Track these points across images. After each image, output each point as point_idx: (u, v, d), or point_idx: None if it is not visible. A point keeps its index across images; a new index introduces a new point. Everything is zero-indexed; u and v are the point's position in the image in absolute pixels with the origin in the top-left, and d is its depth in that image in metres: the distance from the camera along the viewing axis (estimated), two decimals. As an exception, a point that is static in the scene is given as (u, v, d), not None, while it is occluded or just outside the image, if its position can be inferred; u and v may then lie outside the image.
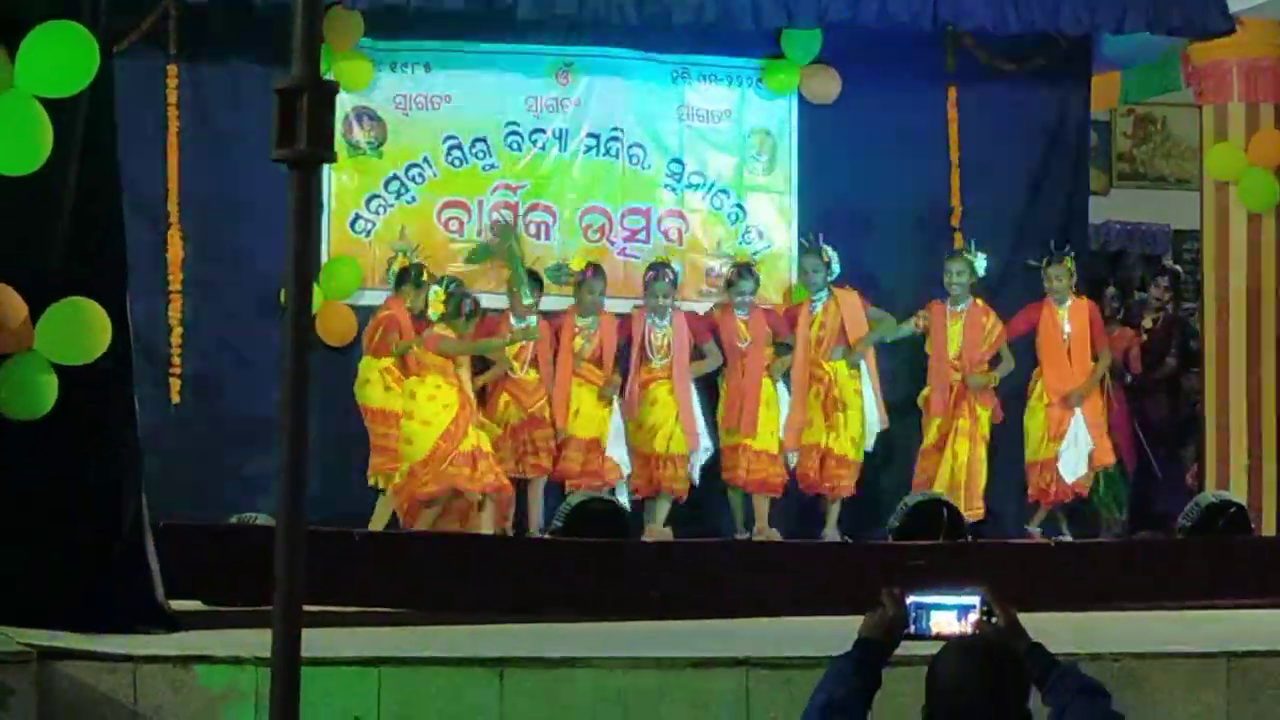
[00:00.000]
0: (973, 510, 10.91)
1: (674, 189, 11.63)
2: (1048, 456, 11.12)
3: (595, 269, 11.06)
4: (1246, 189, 11.48)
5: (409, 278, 10.69)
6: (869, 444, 11.19)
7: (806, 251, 11.28)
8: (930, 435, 11.16)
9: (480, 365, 10.86)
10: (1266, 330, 11.50)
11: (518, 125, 11.40)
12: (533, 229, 11.41)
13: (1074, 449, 11.10)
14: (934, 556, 9.38)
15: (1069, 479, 11.09)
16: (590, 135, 11.49)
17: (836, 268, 11.19)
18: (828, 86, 11.61)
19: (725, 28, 10.98)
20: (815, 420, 11.06)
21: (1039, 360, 11.27)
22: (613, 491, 10.65)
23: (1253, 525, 10.51)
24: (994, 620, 3.74)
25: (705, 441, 10.99)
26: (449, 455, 10.19)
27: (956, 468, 11.02)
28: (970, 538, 10.27)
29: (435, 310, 10.49)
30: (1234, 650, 7.49)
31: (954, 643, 3.66)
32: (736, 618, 8.69)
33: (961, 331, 11.17)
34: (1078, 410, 11.12)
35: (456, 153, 11.34)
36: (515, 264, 10.80)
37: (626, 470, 10.88)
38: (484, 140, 11.35)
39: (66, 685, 6.69)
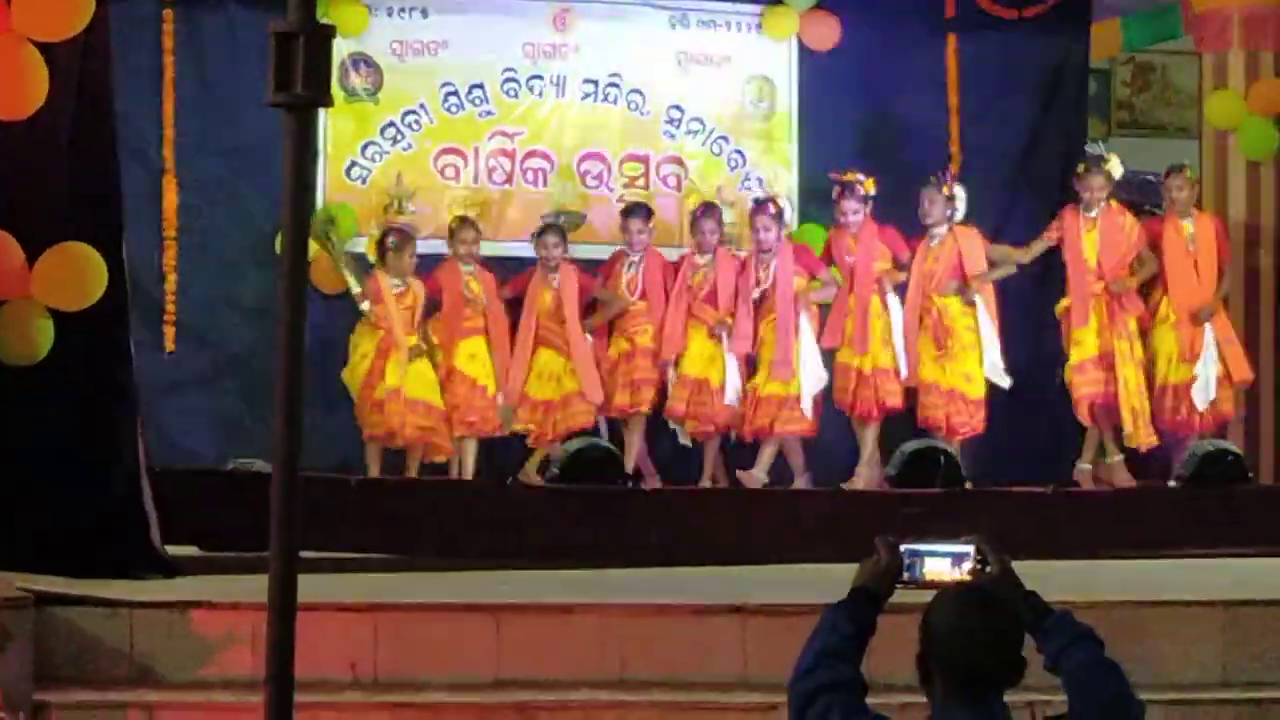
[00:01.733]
0: (1149, 437, 10.65)
1: (673, 135, 11.60)
2: (1180, 380, 10.74)
3: (707, 207, 10.93)
4: (1246, 137, 11.46)
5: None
6: (992, 385, 10.85)
7: (927, 185, 10.91)
8: (1084, 349, 10.75)
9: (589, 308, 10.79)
10: (1264, 278, 11.48)
11: (515, 71, 11.36)
12: (530, 176, 11.38)
13: (1204, 370, 10.71)
14: (931, 504, 9.40)
15: (1201, 404, 10.71)
16: (588, 81, 11.45)
17: (961, 207, 10.91)
18: (827, 32, 11.57)
19: (725, -28, 10.95)
20: (925, 356, 10.81)
21: (1163, 277, 10.81)
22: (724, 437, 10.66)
23: (1250, 474, 10.51)
24: (988, 569, 3.75)
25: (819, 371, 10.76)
26: (366, 401, 10.29)
27: (1129, 394, 10.66)
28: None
29: (372, 257, 10.54)
30: (1231, 599, 7.51)
31: (948, 590, 3.67)
32: (734, 564, 8.70)
33: (1099, 238, 10.78)
34: (1208, 327, 10.74)
35: (453, 99, 11.31)
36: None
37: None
38: (481, 87, 11.32)
39: (64, 630, 6.71)
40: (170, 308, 10.72)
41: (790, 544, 9.06)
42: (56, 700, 6.48)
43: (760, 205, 10.91)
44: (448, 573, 8.25)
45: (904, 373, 10.78)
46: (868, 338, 10.75)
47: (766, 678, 6.66)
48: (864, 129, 11.57)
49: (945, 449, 10.21)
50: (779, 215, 10.83)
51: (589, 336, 10.77)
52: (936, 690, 3.59)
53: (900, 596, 3.75)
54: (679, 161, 11.60)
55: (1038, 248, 10.99)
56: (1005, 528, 8.49)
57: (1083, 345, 10.77)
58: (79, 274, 7.44)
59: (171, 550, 7.76)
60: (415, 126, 11.27)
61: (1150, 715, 3.82)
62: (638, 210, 10.94)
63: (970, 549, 3.76)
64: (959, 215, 10.93)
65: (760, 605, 7.12)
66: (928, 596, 3.66)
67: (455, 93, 11.31)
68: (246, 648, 6.62)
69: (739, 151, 11.68)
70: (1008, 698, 3.63)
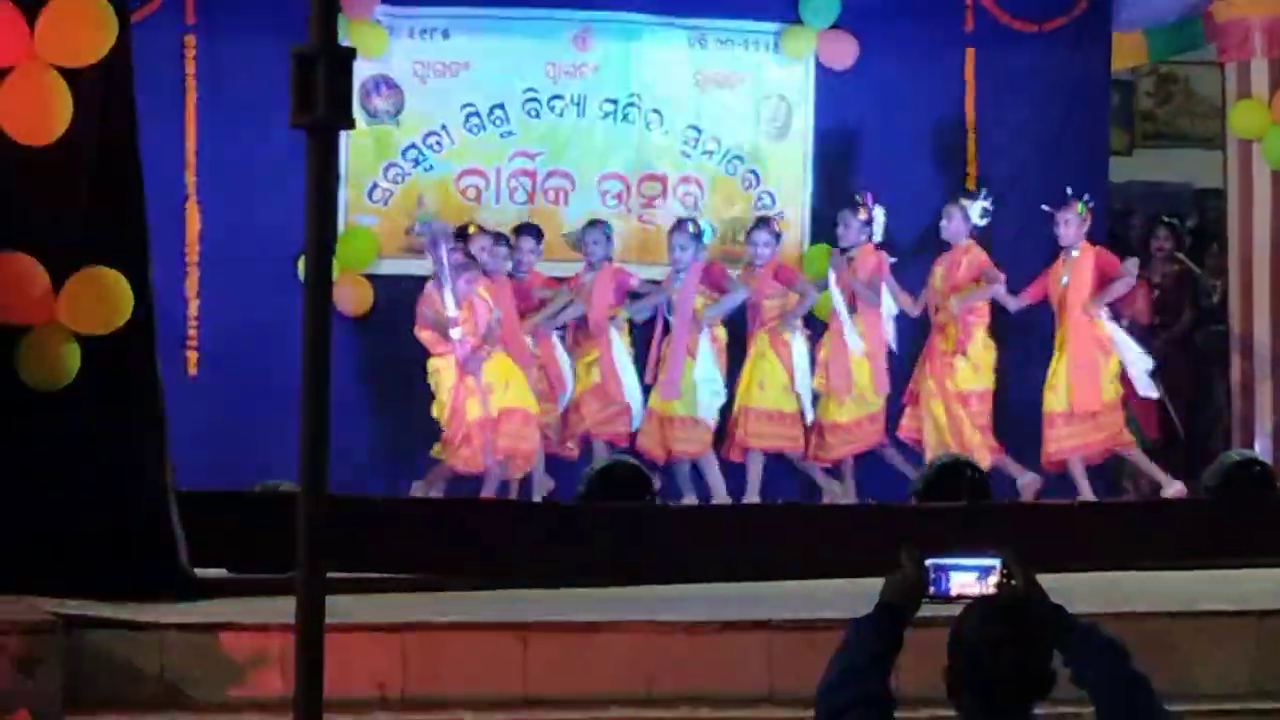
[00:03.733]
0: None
1: (689, 154, 11.61)
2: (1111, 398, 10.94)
3: (761, 221, 11.10)
4: (1270, 146, 11.42)
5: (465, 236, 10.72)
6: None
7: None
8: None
9: None
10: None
11: (536, 91, 11.38)
12: (550, 195, 11.40)
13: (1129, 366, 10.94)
14: (958, 518, 9.37)
15: (1144, 391, 10.96)
16: (608, 101, 11.46)
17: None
18: (844, 51, 11.57)
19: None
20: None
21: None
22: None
23: (1278, 484, 10.47)
24: (1013, 582, 3.74)
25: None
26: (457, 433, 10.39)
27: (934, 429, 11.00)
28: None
29: None
30: (1261, 609, 7.48)
31: (977, 603, 3.66)
32: (761, 580, 8.69)
33: (944, 272, 11.09)
34: (1107, 332, 10.92)
35: (474, 120, 11.33)
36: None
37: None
38: (502, 107, 11.34)
39: (93, 653, 6.73)
40: (192, 332, 10.75)
41: (821, 559, 9.03)
42: (86, 723, 6.49)
43: (679, 224, 11.02)
44: (475, 592, 8.25)
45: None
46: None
47: (793, 693, 6.66)
48: (880, 147, 11.56)
49: (971, 462, 10.21)
50: (697, 235, 10.95)
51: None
52: (965, 704, 3.58)
53: (930, 610, 3.74)
54: (695, 181, 11.61)
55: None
56: (1032, 541, 8.49)
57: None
58: (105, 298, 7.46)
59: (200, 572, 7.78)
60: (437, 148, 11.29)
61: (1180, 727, 3.82)
62: (763, 224, 11.10)
63: (996, 563, 3.76)
64: (875, 237, 11.07)
65: (786, 621, 7.11)
66: (957, 610, 3.66)
67: (476, 113, 11.33)
68: (275, 669, 6.63)
69: (753, 171, 11.68)
70: (1037, 711, 3.62)
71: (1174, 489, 10.76)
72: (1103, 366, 10.96)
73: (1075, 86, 11.93)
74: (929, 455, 10.77)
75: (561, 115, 11.43)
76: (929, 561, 3.73)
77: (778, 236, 11.08)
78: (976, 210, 11.09)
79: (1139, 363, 11.04)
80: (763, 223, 11.10)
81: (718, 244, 11.42)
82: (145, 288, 7.64)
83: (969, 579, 3.74)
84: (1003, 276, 11.05)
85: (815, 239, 11.62)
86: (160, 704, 6.71)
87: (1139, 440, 11.30)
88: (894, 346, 11.14)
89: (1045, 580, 3.78)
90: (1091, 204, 11.10)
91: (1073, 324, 10.93)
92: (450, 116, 11.30)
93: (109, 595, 7.25)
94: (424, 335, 10.58)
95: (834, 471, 11.16)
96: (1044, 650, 3.60)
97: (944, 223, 11.08)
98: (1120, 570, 9.05)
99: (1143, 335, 12.06)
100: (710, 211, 11.53)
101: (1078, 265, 10.97)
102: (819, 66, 11.67)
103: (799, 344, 10.97)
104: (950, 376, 10.98)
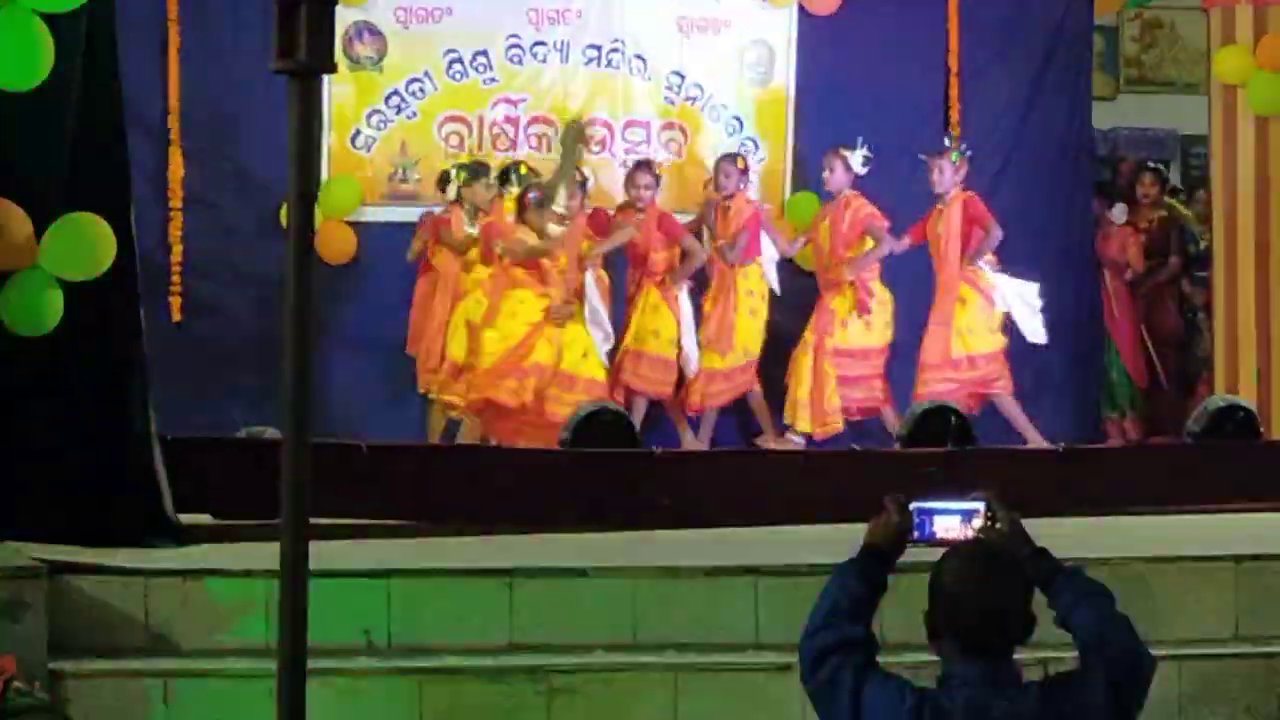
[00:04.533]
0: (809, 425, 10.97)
1: (673, 101, 11.58)
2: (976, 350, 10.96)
3: (641, 164, 11.00)
4: (1255, 92, 11.41)
5: (510, 178, 10.62)
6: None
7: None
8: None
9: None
10: (1275, 234, 11.46)
11: (519, 38, 11.35)
12: (533, 142, 11.39)
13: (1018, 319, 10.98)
14: (942, 463, 9.39)
15: (1032, 337, 10.97)
16: (591, 47, 11.44)
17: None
18: (828, -3, 11.54)
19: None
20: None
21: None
22: None
23: (1262, 429, 10.50)
24: (997, 525, 3.76)
25: None
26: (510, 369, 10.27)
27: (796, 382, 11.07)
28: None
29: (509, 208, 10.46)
30: (1243, 554, 7.51)
31: (958, 547, 3.68)
32: (747, 526, 8.72)
33: (829, 226, 11.12)
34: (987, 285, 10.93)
35: (457, 66, 11.30)
36: (563, 169, 10.63)
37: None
38: (485, 54, 11.30)
39: (78, 599, 6.73)
40: (176, 278, 10.73)
41: (807, 504, 9.05)
42: (72, 669, 6.50)
43: (640, 165, 10.96)
44: (460, 538, 8.26)
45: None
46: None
47: (780, 638, 6.67)
48: (863, 95, 11.53)
49: (955, 409, 10.23)
50: (657, 179, 10.96)
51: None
52: (945, 648, 3.60)
53: (915, 555, 3.75)
54: (679, 128, 11.58)
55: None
56: (1016, 485, 8.50)
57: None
58: (87, 244, 7.43)
59: (184, 518, 7.78)
60: (419, 94, 11.26)
61: (1163, 670, 3.83)
62: (644, 166, 10.97)
63: (980, 506, 3.77)
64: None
65: (773, 566, 7.13)
66: (939, 554, 3.67)
67: (459, 60, 11.29)
68: (260, 615, 6.63)
69: (737, 118, 11.66)
70: (1019, 655, 3.64)
71: (1036, 441, 10.75)
72: (983, 315, 10.94)
73: (1058, 32, 11.92)
74: (788, 407, 10.88)
75: (545, 61, 11.39)
76: (913, 505, 3.75)
77: (658, 179, 11.02)
78: (858, 160, 11.04)
79: (1025, 311, 11.01)
80: (643, 165, 11.03)
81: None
82: (128, 233, 7.61)
83: (953, 523, 3.76)
84: (887, 226, 11.03)
85: (797, 188, 11.60)
86: (145, 650, 6.72)
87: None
88: (776, 289, 11.12)
89: (1029, 524, 3.79)
90: (968, 153, 11.04)
91: (948, 273, 10.92)
92: (433, 63, 11.27)
93: (94, 541, 7.25)
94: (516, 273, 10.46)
95: (694, 421, 11.16)
96: (1023, 593, 3.61)
97: (825, 174, 11.07)
98: (1105, 515, 9.08)
99: (1134, 281, 12.10)
100: (694, 158, 11.51)
101: (949, 213, 10.95)
102: (802, 12, 11.64)
103: (684, 299, 10.97)
104: (842, 333, 10.97)
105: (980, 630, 3.56)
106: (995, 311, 11.02)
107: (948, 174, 10.96)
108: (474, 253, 10.67)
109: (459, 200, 10.79)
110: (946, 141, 11.24)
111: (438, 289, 10.77)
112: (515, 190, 10.50)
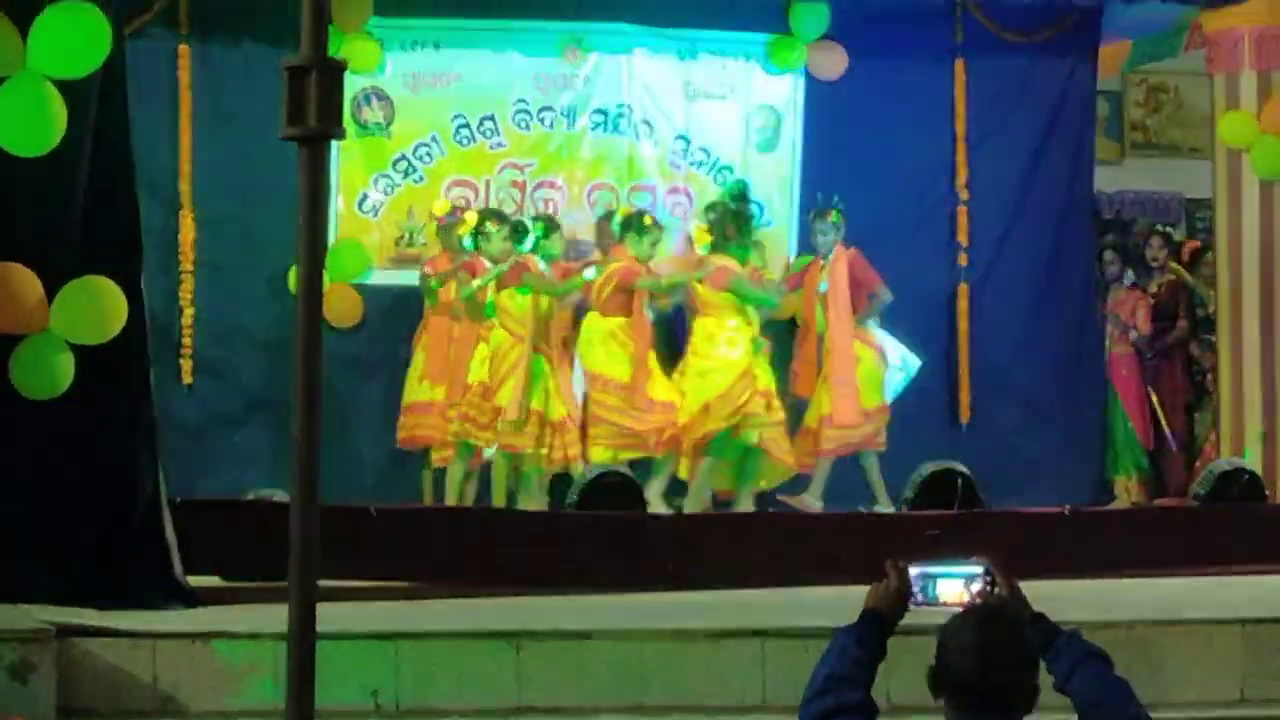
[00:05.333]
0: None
1: (679, 166, 11.64)
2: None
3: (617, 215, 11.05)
4: (1258, 157, 11.46)
5: (631, 226, 10.67)
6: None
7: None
8: None
9: None
10: (1279, 297, 11.49)
11: (526, 103, 11.40)
12: (541, 205, 11.42)
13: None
14: (948, 526, 9.40)
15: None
16: (598, 112, 11.49)
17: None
18: (834, 62, 11.59)
19: (733, 4, 10.96)
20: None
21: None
22: None
23: (1266, 493, 10.51)
24: (996, 590, 3.76)
25: None
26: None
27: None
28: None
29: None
30: (1249, 617, 7.51)
31: (964, 611, 3.68)
32: (752, 588, 8.72)
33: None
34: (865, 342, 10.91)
35: (465, 131, 11.35)
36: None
37: None
38: (492, 118, 11.36)
39: (86, 662, 6.74)
40: (187, 341, 10.77)
41: (812, 567, 9.06)
42: (80, 732, 6.51)
43: (608, 216, 11.05)
44: (468, 600, 8.27)
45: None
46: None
47: (785, 701, 6.67)
48: (869, 157, 11.57)
49: (962, 471, 10.24)
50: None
51: None
52: (946, 710, 3.60)
53: (924, 617, 3.76)
54: (684, 192, 11.63)
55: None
56: (1024, 547, 8.53)
57: None
58: (98, 308, 7.48)
59: (192, 580, 7.79)
60: (427, 159, 11.31)
61: (1167, 733, 3.83)
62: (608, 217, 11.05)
63: (980, 570, 3.78)
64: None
65: (779, 628, 7.14)
66: (941, 618, 3.67)
67: (467, 125, 11.35)
68: (268, 677, 6.64)
69: (743, 182, 11.69)
70: (1023, 721, 3.64)
71: (886, 504, 10.70)
72: (877, 371, 10.96)
73: (1062, 97, 11.97)
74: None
75: (551, 126, 11.45)
76: (914, 569, 3.75)
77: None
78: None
79: (900, 370, 11.02)
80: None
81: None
82: (138, 296, 7.66)
83: (954, 586, 3.76)
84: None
85: (803, 251, 11.64)
86: (153, 712, 6.72)
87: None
88: None
89: (1032, 588, 3.80)
90: (844, 212, 10.98)
91: (834, 330, 10.91)
92: (440, 127, 11.32)
93: (102, 603, 7.27)
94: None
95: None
96: (1023, 656, 3.60)
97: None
98: (1111, 577, 9.08)
99: (1142, 344, 12.13)
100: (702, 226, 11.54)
101: (834, 270, 10.93)
102: (808, 78, 11.70)
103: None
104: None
105: (976, 692, 3.55)
106: (888, 368, 11.04)
107: (830, 234, 10.96)
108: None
109: (477, 249, 10.70)
110: (829, 199, 11.14)
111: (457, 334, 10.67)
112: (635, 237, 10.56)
